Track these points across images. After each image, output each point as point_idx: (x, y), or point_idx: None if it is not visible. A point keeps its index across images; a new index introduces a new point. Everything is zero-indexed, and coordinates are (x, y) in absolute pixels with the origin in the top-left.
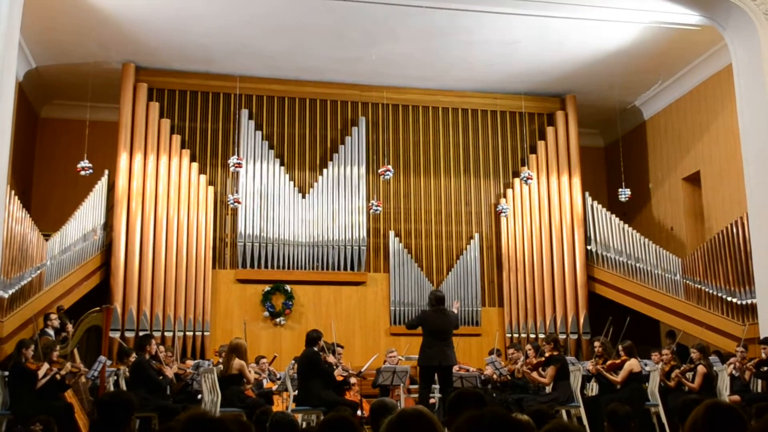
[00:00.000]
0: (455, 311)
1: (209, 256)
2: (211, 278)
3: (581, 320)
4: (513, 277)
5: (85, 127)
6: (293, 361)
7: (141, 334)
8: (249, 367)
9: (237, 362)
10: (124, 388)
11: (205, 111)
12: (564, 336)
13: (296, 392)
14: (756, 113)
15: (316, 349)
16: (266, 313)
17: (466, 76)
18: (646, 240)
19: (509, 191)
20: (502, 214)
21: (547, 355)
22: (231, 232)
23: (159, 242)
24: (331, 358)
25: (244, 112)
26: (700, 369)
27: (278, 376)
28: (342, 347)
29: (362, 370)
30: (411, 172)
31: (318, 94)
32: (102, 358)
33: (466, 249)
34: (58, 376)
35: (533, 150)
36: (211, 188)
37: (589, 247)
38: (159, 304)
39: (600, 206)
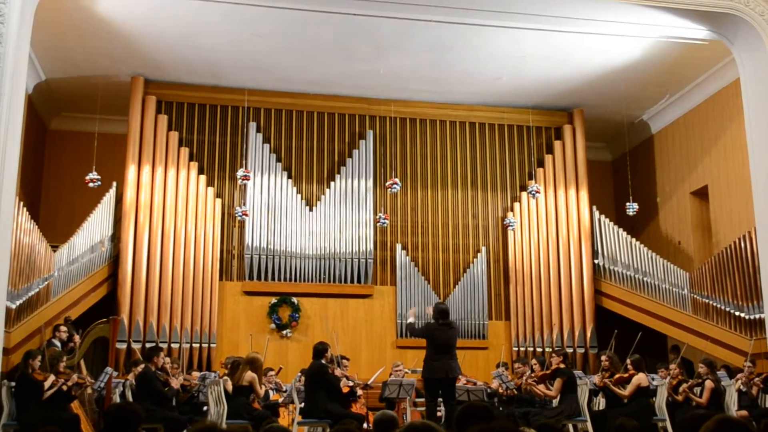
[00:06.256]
0: (411, 319)
1: (216, 268)
2: (217, 290)
3: (588, 334)
4: (520, 290)
5: (93, 140)
6: (300, 374)
7: (149, 346)
8: (261, 383)
9: (249, 374)
10: (131, 399)
11: (213, 124)
12: (571, 350)
13: (302, 404)
14: (764, 128)
15: (323, 361)
16: (273, 326)
17: (473, 90)
18: (654, 254)
19: (516, 205)
20: (510, 228)
21: (554, 367)
22: (238, 244)
23: (166, 254)
24: (338, 371)
25: (252, 125)
26: (708, 384)
27: (284, 388)
28: (348, 359)
29: (369, 382)
30: (418, 186)
31: (325, 108)
32: (108, 369)
33: (473, 262)
34: (64, 387)
35: (540, 164)
36: (218, 201)
37: (596, 261)
38: (166, 316)
39: (607, 220)
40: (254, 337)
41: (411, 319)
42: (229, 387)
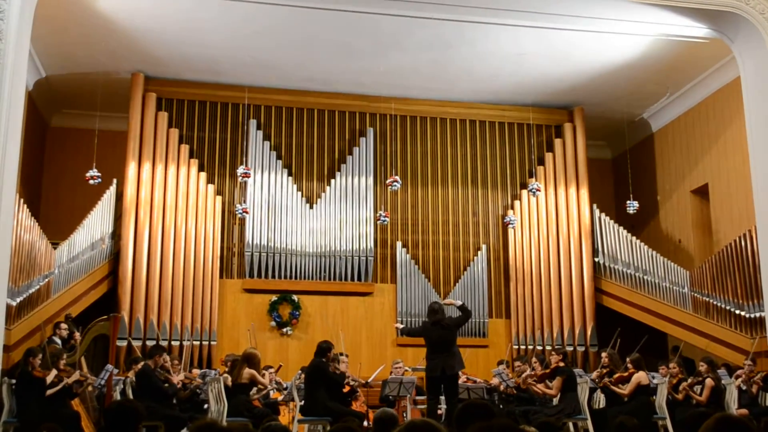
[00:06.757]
0: (455, 304)
1: (216, 266)
2: (218, 288)
3: (588, 332)
4: (520, 288)
5: (94, 137)
6: (300, 371)
7: (153, 345)
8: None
9: (247, 371)
10: (131, 396)
11: (213, 121)
12: (571, 348)
13: (303, 402)
14: (764, 126)
15: (325, 360)
16: (273, 323)
17: (473, 88)
18: (654, 252)
19: (517, 203)
20: (510, 226)
21: (553, 365)
22: (238, 241)
23: (167, 251)
24: (342, 369)
25: (252, 122)
26: (708, 382)
27: (284, 385)
28: (347, 356)
29: (369, 380)
30: (419, 183)
31: (326, 105)
32: (109, 366)
33: (473, 260)
34: (65, 384)
35: (541, 162)
36: (218, 198)
37: (596, 259)
38: (166, 313)
39: (608, 218)
40: (253, 332)
41: (400, 326)
42: (229, 384)
